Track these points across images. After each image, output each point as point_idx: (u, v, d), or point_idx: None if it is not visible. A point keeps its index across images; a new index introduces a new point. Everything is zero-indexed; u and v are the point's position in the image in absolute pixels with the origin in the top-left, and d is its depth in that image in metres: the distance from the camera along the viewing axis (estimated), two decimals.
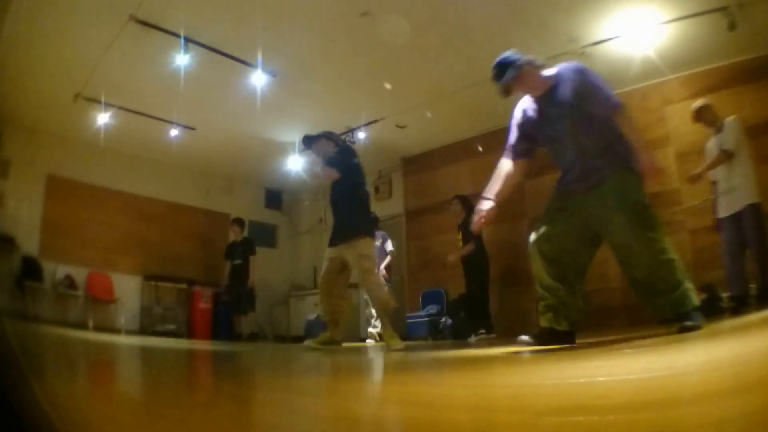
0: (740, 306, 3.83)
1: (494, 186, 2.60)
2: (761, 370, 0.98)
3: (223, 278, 7.12)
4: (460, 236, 5.73)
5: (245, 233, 7.34)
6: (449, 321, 6.19)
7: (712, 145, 4.22)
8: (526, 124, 2.59)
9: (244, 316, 6.77)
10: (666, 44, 4.92)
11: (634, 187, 2.38)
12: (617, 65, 5.25)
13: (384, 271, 5.95)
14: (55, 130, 6.62)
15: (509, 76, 2.45)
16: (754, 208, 3.92)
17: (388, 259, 6.15)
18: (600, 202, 2.39)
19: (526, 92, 2.58)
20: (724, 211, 4.10)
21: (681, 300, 2.28)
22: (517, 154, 2.63)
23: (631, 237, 2.32)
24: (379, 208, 8.21)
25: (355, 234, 3.77)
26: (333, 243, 3.87)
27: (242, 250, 6.78)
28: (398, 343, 3.72)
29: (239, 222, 7.21)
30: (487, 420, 0.80)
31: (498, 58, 2.53)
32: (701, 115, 4.34)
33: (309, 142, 4.14)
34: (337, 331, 3.88)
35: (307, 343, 4.10)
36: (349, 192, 3.91)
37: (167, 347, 4.02)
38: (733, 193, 4.02)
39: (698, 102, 4.43)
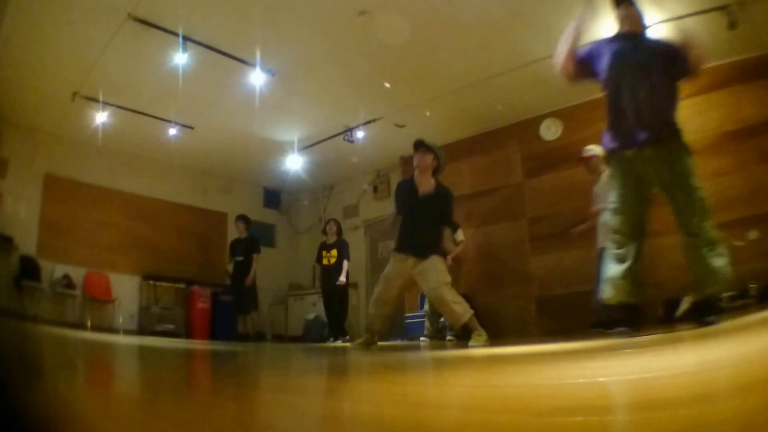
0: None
1: None
2: (760, 370, 0.98)
3: (229, 275, 7.09)
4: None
5: (250, 231, 7.14)
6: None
7: (597, 190, 4.49)
8: None
9: (248, 315, 6.70)
10: None
11: None
12: None
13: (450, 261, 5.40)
14: (53, 129, 6.61)
15: None
16: None
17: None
18: None
19: None
20: (601, 243, 4.21)
21: None
22: None
23: None
24: (378, 207, 8.22)
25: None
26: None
27: (245, 248, 6.71)
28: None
29: (244, 219, 7.04)
30: (486, 420, 0.79)
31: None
32: (588, 164, 4.68)
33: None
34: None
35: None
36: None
37: (166, 347, 4.01)
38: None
39: (589, 150, 4.63)
